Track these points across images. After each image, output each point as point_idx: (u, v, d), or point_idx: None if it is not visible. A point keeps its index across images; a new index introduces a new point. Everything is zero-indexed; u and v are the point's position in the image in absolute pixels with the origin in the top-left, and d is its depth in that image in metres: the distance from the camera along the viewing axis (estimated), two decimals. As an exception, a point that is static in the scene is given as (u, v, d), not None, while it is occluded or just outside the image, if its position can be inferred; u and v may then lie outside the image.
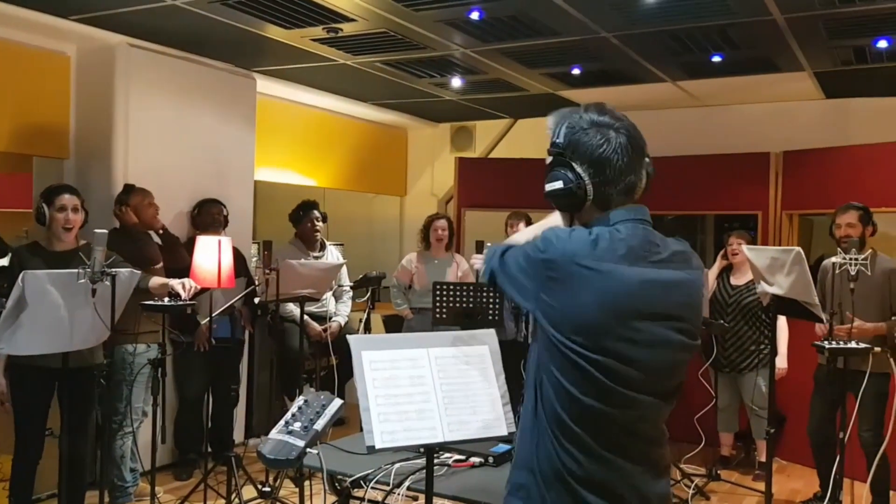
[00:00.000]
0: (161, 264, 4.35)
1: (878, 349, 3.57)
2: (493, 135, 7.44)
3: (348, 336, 2.30)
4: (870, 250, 4.06)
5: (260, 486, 4.35)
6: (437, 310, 4.80)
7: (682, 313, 1.60)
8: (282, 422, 2.06)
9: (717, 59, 4.91)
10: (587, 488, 1.57)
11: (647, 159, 1.66)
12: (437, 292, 4.82)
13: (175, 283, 3.66)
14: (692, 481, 4.75)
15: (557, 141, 1.62)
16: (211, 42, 4.90)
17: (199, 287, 3.77)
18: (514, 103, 6.33)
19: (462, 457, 2.87)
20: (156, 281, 3.72)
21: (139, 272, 3.39)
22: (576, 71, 5.39)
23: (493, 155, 7.43)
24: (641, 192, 1.66)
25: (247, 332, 5.24)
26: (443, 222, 5.73)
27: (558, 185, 1.60)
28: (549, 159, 1.65)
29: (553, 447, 1.59)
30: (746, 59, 4.95)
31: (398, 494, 2.64)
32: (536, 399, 1.63)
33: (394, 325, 6.13)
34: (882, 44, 4.43)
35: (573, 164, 1.59)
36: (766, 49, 4.69)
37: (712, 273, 5.09)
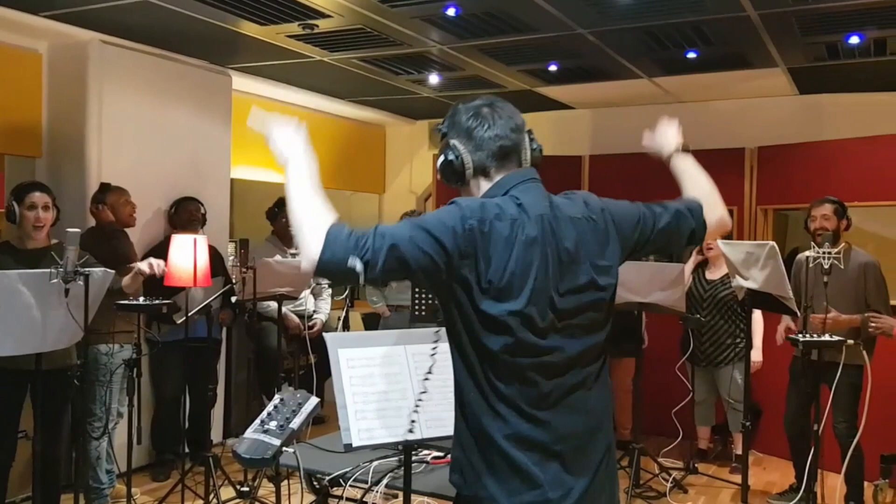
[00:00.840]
0: (138, 264, 4.31)
1: (850, 342, 3.61)
2: (471, 132, 7.44)
3: (324, 334, 2.29)
4: (843, 244, 4.11)
5: (238, 487, 4.33)
6: (416, 307, 4.79)
7: (579, 256, 1.68)
8: (257, 421, 2.05)
9: (691, 55, 4.94)
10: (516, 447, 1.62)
11: (530, 138, 1.78)
12: (416, 289, 4.81)
13: (142, 266, 3.63)
14: (670, 475, 4.79)
15: (441, 127, 1.80)
16: (185, 39, 4.85)
17: (165, 268, 3.75)
18: (492, 100, 6.33)
19: (440, 454, 2.87)
20: (126, 279, 3.68)
21: (112, 272, 3.36)
22: (553, 67, 5.40)
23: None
24: (529, 162, 1.77)
25: (224, 331, 5.20)
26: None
27: (441, 158, 1.75)
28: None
29: (478, 413, 1.64)
30: (721, 56, 4.98)
31: (376, 492, 2.63)
32: (457, 370, 1.69)
33: (373, 322, 6.12)
34: (854, 40, 4.48)
35: (452, 141, 1.74)
36: (739, 45, 4.73)
37: (688, 268, 5.12)
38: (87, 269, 3.08)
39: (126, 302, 3.65)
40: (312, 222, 1.54)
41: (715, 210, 1.97)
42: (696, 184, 2.04)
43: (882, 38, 4.50)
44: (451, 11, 4.11)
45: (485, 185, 1.73)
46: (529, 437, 1.62)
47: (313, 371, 4.82)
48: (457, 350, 1.68)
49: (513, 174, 1.72)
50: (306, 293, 5.33)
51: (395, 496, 2.68)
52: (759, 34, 4.43)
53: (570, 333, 1.66)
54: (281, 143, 1.78)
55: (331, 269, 1.51)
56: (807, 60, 5.03)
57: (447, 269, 1.57)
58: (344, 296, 5.11)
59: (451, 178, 1.75)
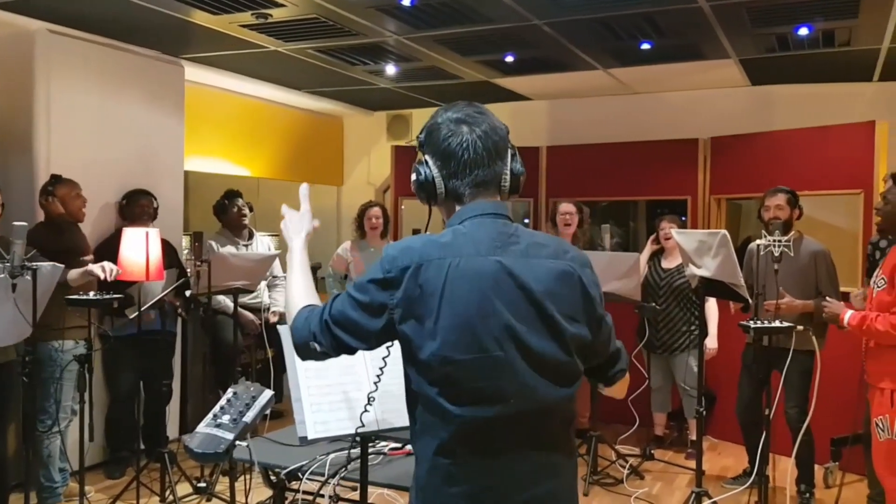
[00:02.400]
0: (91, 256, 4.24)
1: (801, 327, 3.68)
2: (429, 123, 7.43)
3: (279, 326, 2.27)
4: (794, 232, 4.20)
5: (195, 483, 4.28)
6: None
7: (547, 301, 1.55)
8: (210, 415, 2.03)
9: (645, 46, 4.99)
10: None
11: (511, 158, 1.67)
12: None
13: (94, 268, 3.57)
14: (627, 462, 4.86)
15: (420, 137, 1.69)
16: (136, 28, 4.76)
17: (119, 270, 3.69)
18: (450, 91, 6.32)
19: (398, 445, 2.86)
20: (75, 272, 3.61)
21: (62, 266, 3.29)
22: (509, 58, 5.41)
23: (429, 143, 7.42)
24: (508, 193, 1.67)
25: (179, 326, 5.13)
26: (376, 210, 5.69)
27: (413, 176, 1.67)
28: None
29: (427, 463, 1.57)
30: (674, 47, 5.04)
31: (333, 485, 2.62)
32: (412, 415, 1.62)
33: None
34: (803, 31, 4.56)
35: (427, 157, 1.65)
36: (692, 37, 4.79)
37: (643, 257, 5.19)
38: (35, 264, 3.00)
39: (76, 297, 3.57)
40: (290, 315, 1.72)
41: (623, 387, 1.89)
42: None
43: (830, 30, 4.59)
44: (406, 1, 4.10)
45: (455, 207, 1.64)
46: (479, 495, 1.54)
47: (270, 365, 4.78)
48: (411, 396, 1.61)
49: (473, 206, 1.61)
50: (262, 285, 5.28)
51: (355, 489, 2.67)
52: (710, 25, 4.49)
53: (525, 385, 1.53)
54: (292, 228, 1.88)
55: (303, 354, 1.67)
56: (758, 52, 5.12)
57: (384, 324, 1.55)
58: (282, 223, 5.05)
59: (423, 196, 1.66)
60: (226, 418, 2.01)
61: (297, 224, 1.87)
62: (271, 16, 4.38)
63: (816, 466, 4.38)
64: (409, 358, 1.56)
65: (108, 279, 3.63)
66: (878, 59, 5.22)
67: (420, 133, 1.70)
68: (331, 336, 1.59)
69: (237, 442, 2.00)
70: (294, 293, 1.75)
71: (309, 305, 1.68)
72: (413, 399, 1.59)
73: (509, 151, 1.67)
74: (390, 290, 1.53)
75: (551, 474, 1.59)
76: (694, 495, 3.93)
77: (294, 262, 1.82)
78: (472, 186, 1.62)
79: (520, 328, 1.52)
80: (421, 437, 1.59)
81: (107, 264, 3.66)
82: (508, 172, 1.66)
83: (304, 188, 1.93)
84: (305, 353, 1.65)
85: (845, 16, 4.29)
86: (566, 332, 1.57)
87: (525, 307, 1.54)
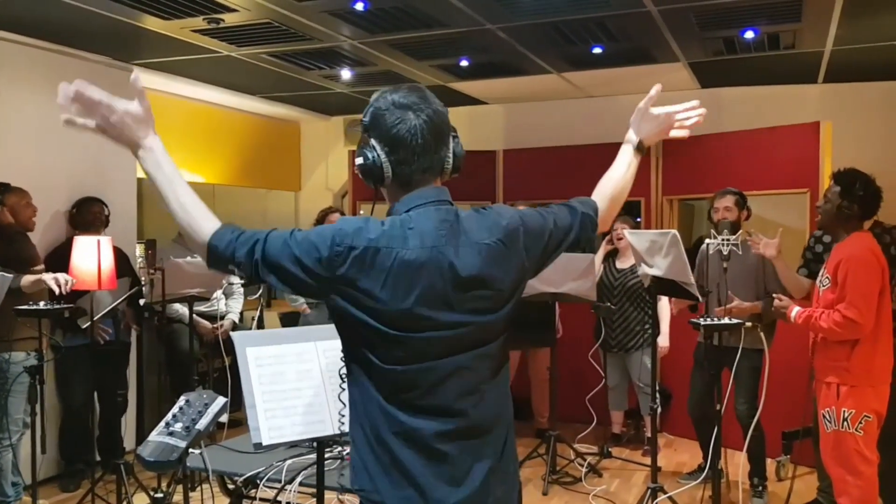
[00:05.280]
0: (42, 266, 4.16)
1: (749, 324, 3.77)
2: (387, 127, 7.42)
3: (232, 333, 2.26)
4: (741, 232, 4.29)
5: (152, 493, 4.21)
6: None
7: (481, 282, 1.63)
8: (162, 423, 2.02)
9: (597, 50, 5.06)
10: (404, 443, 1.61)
11: (453, 140, 1.71)
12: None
13: (48, 279, 3.51)
14: (585, 460, 4.92)
15: (364, 120, 1.69)
16: (85, 34, 4.69)
17: (74, 281, 3.63)
18: (405, 95, 6.33)
19: (356, 449, 2.86)
20: (28, 279, 3.55)
21: (10, 275, 3.23)
22: (464, 63, 5.45)
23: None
24: (450, 173, 1.72)
25: (133, 335, 5.06)
26: (336, 216, 5.67)
27: (359, 160, 1.66)
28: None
29: (371, 407, 1.63)
30: (625, 51, 5.13)
31: (290, 491, 2.62)
32: (348, 364, 1.67)
33: (291, 321, 6.05)
34: (749, 34, 4.67)
35: (374, 142, 1.65)
36: (642, 40, 4.87)
37: (598, 257, 5.26)
38: (-19, 274, 2.95)
39: (26, 307, 3.51)
40: (194, 226, 1.64)
41: (609, 210, 1.99)
42: (612, 183, 2.03)
43: (775, 33, 4.71)
44: (359, 6, 4.11)
45: (402, 195, 1.67)
46: (415, 435, 1.61)
47: (228, 373, 4.74)
48: (347, 353, 1.67)
49: (417, 194, 1.66)
50: (218, 293, 5.23)
51: (313, 494, 2.67)
52: (660, 29, 4.58)
53: (455, 349, 1.62)
54: (126, 123, 1.65)
55: (218, 268, 1.64)
56: (706, 55, 5.23)
57: (318, 286, 1.59)
58: (258, 295, 5.03)
59: (369, 180, 1.68)
60: (178, 426, 2.00)
61: (137, 117, 1.66)
62: (223, 21, 4.35)
63: (769, 460, 4.48)
64: (342, 322, 1.62)
65: (63, 292, 3.56)
66: (822, 62, 5.37)
67: (364, 116, 1.69)
68: (256, 272, 1.59)
69: (190, 450, 1.99)
70: (188, 201, 1.65)
71: (231, 226, 1.63)
72: (349, 352, 1.65)
73: (450, 135, 1.72)
74: (333, 264, 1.56)
75: (477, 428, 1.66)
76: (650, 491, 3.99)
77: (163, 162, 1.68)
78: (420, 172, 1.66)
79: (453, 312, 1.60)
80: (359, 384, 1.64)
81: (61, 276, 3.60)
82: (451, 156, 1.71)
83: (135, 76, 1.66)
84: (218, 265, 1.62)
85: (789, 19, 4.41)
86: (496, 307, 1.66)
87: (460, 294, 1.61)
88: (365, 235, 1.57)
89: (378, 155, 1.64)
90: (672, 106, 2.05)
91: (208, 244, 1.60)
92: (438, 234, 1.61)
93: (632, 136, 2.06)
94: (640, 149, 2.06)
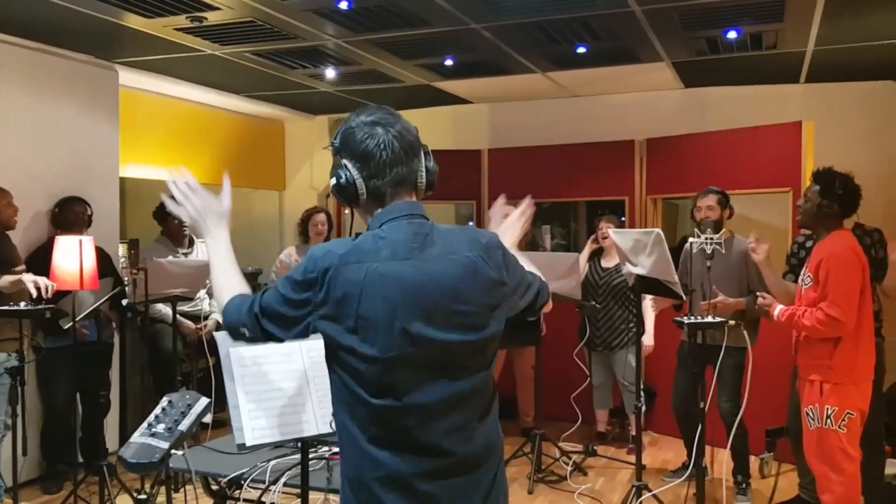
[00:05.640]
0: (23, 266, 4.12)
1: (732, 322, 3.79)
2: (371, 126, 7.41)
3: (215, 333, 2.25)
4: (724, 230, 4.31)
5: (135, 495, 4.19)
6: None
7: (458, 298, 1.63)
8: (144, 424, 2.00)
9: (581, 50, 5.07)
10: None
11: (425, 156, 1.73)
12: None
13: (28, 282, 3.47)
14: (570, 459, 4.93)
15: (335, 143, 1.73)
16: (67, 32, 4.65)
17: (55, 286, 3.60)
18: (391, 95, 6.32)
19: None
20: (6, 279, 3.51)
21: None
22: (449, 62, 5.44)
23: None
24: (424, 190, 1.73)
25: (116, 335, 5.02)
26: (322, 216, 5.67)
27: (333, 181, 1.71)
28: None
29: (353, 451, 1.63)
30: (609, 51, 5.14)
31: (274, 492, 2.60)
32: (334, 406, 1.68)
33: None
34: (731, 34, 4.69)
35: (345, 161, 1.69)
36: (626, 40, 4.88)
37: (583, 256, 5.27)
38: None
39: (7, 308, 3.48)
40: (220, 302, 1.82)
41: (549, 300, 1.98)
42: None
43: (758, 33, 4.73)
44: (343, 5, 4.09)
45: (377, 211, 1.69)
46: (398, 477, 1.60)
47: (212, 373, 4.71)
48: (333, 392, 1.68)
49: (391, 208, 1.67)
50: (202, 293, 5.20)
51: (297, 495, 2.66)
52: (643, 29, 4.59)
53: (440, 376, 1.61)
54: (205, 214, 1.93)
55: (235, 336, 1.78)
56: (689, 55, 5.25)
57: (307, 317, 1.64)
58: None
59: (344, 200, 1.70)
60: (160, 427, 1.98)
61: (219, 211, 1.93)
62: (206, 19, 4.32)
63: (752, 457, 4.52)
64: (331, 355, 1.65)
65: (44, 296, 3.54)
66: (804, 62, 5.40)
67: (335, 138, 1.73)
68: (259, 326, 1.70)
69: (173, 451, 1.98)
70: (224, 282, 1.83)
71: (240, 294, 1.78)
72: (336, 393, 1.67)
73: (422, 150, 1.74)
74: (312, 290, 1.62)
75: (463, 466, 1.65)
76: (634, 489, 4.01)
77: (221, 250, 1.88)
78: (392, 185, 1.68)
79: (432, 326, 1.60)
80: (343, 427, 1.66)
81: (41, 280, 3.56)
82: (424, 170, 1.73)
83: (226, 180, 1.98)
84: (236, 336, 1.76)
85: (771, 19, 4.43)
86: (478, 323, 1.66)
87: (438, 305, 1.61)
88: (335, 253, 1.61)
89: (350, 173, 1.67)
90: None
91: (223, 315, 1.78)
92: (411, 247, 1.62)
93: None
94: None
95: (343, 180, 1.67)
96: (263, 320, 1.68)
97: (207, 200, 1.92)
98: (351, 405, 1.62)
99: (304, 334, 1.67)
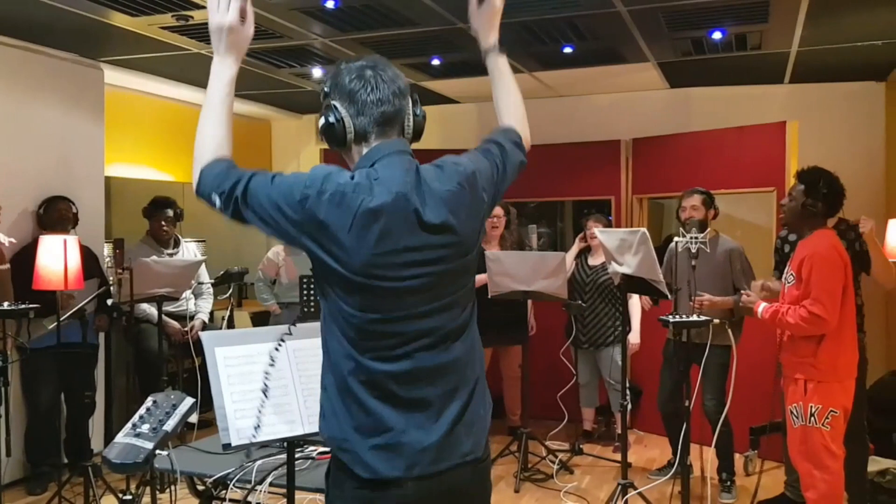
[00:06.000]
0: (7, 266, 4.10)
1: (717, 321, 3.82)
2: (358, 126, 7.40)
3: (200, 333, 2.24)
4: (709, 230, 4.34)
5: (120, 495, 4.17)
6: (305, 303, 4.75)
7: (447, 229, 1.68)
8: (129, 424, 1.99)
9: (568, 50, 5.09)
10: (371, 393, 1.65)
11: (413, 103, 1.76)
12: (305, 285, 4.76)
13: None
14: (556, 457, 4.95)
15: (325, 88, 1.75)
16: (51, 30, 4.62)
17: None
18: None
19: (327, 449, 2.85)
20: None
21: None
22: (435, 62, 5.45)
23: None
24: (412, 133, 1.76)
25: (101, 336, 5.00)
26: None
27: (322, 121, 1.72)
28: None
29: (337, 354, 1.67)
30: (595, 51, 5.16)
31: (260, 492, 2.60)
32: (322, 317, 1.72)
33: (263, 321, 6.01)
34: (716, 35, 4.72)
35: (334, 102, 1.71)
36: (612, 40, 4.90)
37: (570, 255, 5.29)
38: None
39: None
40: (200, 153, 1.71)
41: (525, 130, 2.06)
42: (510, 99, 2.08)
43: (742, 34, 4.76)
44: (329, 4, 4.09)
45: (363, 150, 1.71)
46: (383, 381, 1.64)
47: (198, 373, 4.70)
48: (322, 298, 1.71)
49: (380, 145, 1.70)
50: (187, 293, 5.18)
51: (284, 494, 2.66)
52: (629, 29, 4.61)
53: (425, 297, 1.67)
54: (224, 33, 1.75)
55: (202, 197, 1.69)
56: (675, 55, 5.27)
57: (293, 229, 1.63)
58: (228, 294, 4.98)
59: (333, 142, 1.72)
60: (145, 427, 1.97)
61: (241, 36, 1.76)
62: (192, 17, 4.31)
63: (736, 455, 4.54)
64: (319, 272, 1.66)
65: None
66: (788, 62, 5.44)
67: (325, 83, 1.75)
68: (235, 207, 1.65)
69: (158, 451, 1.97)
70: (211, 129, 1.73)
71: (227, 161, 1.70)
72: (323, 300, 1.70)
73: (410, 95, 1.76)
74: (307, 210, 1.60)
75: (445, 379, 1.70)
76: (620, 487, 4.02)
77: (224, 87, 1.76)
78: (379, 124, 1.70)
79: (425, 256, 1.65)
80: (331, 333, 1.69)
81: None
82: (412, 114, 1.75)
83: (249, 6, 1.79)
84: (202, 196, 1.69)
85: (756, 20, 4.46)
86: (466, 246, 1.72)
87: (428, 238, 1.65)
88: (334, 180, 1.62)
89: (338, 113, 1.69)
90: None
91: (200, 170, 1.68)
92: (405, 181, 1.65)
93: (486, 45, 2.10)
94: (498, 48, 2.10)
95: (332, 119, 1.69)
96: (242, 204, 1.64)
97: (232, 20, 1.73)
98: (335, 314, 1.66)
99: (273, 234, 1.67)
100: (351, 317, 1.64)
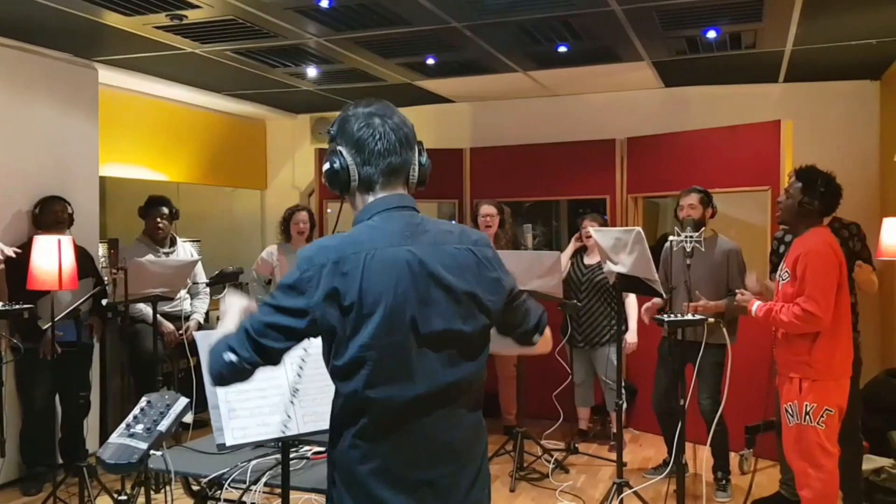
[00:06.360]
0: (1, 266, 4.09)
1: (711, 320, 3.82)
2: (354, 125, 7.40)
3: (195, 333, 2.24)
4: (704, 229, 4.33)
5: (115, 496, 4.16)
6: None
7: (454, 286, 1.64)
8: (123, 425, 1.99)
9: (562, 49, 5.09)
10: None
11: (419, 151, 1.75)
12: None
13: None
14: (552, 456, 4.95)
15: (332, 131, 1.75)
16: (45, 30, 4.61)
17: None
18: (373, 93, 6.31)
19: (321, 448, 2.86)
20: None
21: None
22: (430, 61, 5.44)
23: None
24: (416, 182, 1.75)
25: (95, 337, 4.99)
26: (304, 214, 5.65)
27: (326, 165, 1.71)
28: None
29: (342, 443, 1.64)
30: (590, 50, 5.16)
31: (255, 491, 2.60)
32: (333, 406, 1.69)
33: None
34: (711, 34, 4.73)
35: (340, 147, 1.70)
36: (607, 39, 4.91)
37: (565, 255, 5.29)
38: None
39: (-17, 308, 3.45)
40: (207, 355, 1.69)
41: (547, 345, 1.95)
42: None
43: (737, 33, 4.77)
44: (324, 3, 4.08)
45: (368, 200, 1.69)
46: (393, 469, 1.61)
47: (192, 373, 4.69)
48: (336, 383, 1.67)
49: (379, 200, 1.68)
50: (183, 293, 5.17)
51: (279, 494, 2.65)
52: (623, 28, 4.61)
53: (435, 365, 1.63)
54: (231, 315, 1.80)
55: (218, 373, 1.64)
56: (669, 54, 5.28)
57: (305, 319, 1.59)
58: (223, 294, 4.96)
59: (335, 186, 1.71)
60: (139, 427, 1.98)
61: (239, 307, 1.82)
62: (186, 17, 4.30)
63: (731, 454, 4.55)
64: (330, 347, 1.62)
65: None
66: (783, 61, 5.45)
67: (332, 126, 1.74)
68: (252, 343, 1.61)
69: (152, 451, 1.97)
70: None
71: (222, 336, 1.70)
72: (336, 387, 1.66)
73: (417, 145, 1.75)
74: (310, 291, 1.58)
75: (454, 455, 1.67)
76: (615, 486, 4.03)
77: (229, 323, 1.78)
78: (385, 175, 1.69)
79: (434, 310, 1.61)
80: (340, 419, 1.66)
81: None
82: (417, 164, 1.74)
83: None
84: (220, 372, 1.64)
85: (750, 19, 4.47)
86: (474, 311, 1.67)
87: (435, 291, 1.62)
88: (330, 247, 1.60)
89: (344, 159, 1.67)
90: None
91: (208, 362, 1.66)
92: (405, 236, 1.63)
93: None
94: None
95: (337, 165, 1.68)
96: (257, 336, 1.61)
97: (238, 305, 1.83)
98: (346, 399, 1.62)
99: (304, 338, 1.63)
100: (367, 400, 1.60)
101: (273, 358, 1.64)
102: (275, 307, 1.61)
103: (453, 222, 1.81)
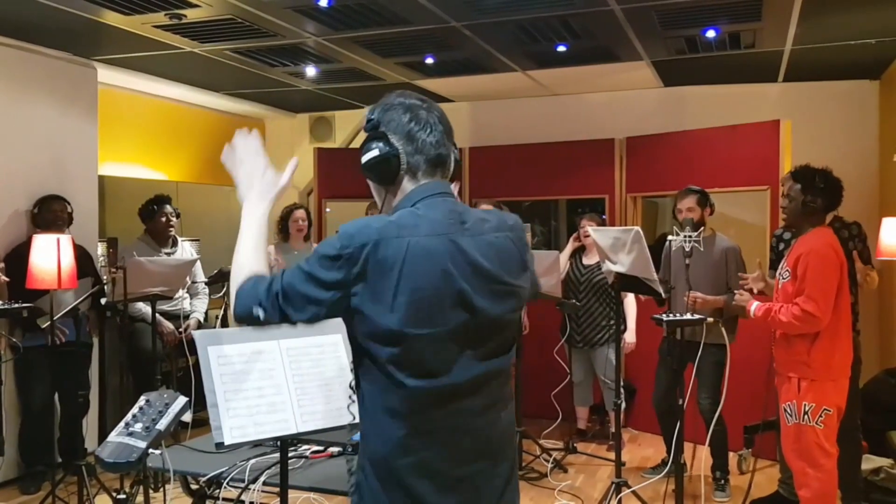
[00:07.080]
0: (2, 265, 4.09)
1: (710, 319, 3.82)
2: (353, 125, 7.41)
3: (193, 332, 2.24)
4: (702, 228, 4.33)
5: (115, 495, 4.16)
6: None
7: (493, 275, 1.65)
8: (122, 423, 1.99)
9: (561, 48, 5.09)
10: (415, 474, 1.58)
11: (453, 144, 1.75)
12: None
13: None
14: (550, 455, 4.95)
15: (372, 118, 1.71)
16: (44, 29, 4.61)
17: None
18: (372, 93, 6.32)
19: (320, 447, 2.86)
20: None
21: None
22: (429, 60, 5.45)
23: (353, 145, 7.41)
24: (451, 174, 1.74)
25: (93, 335, 4.99)
26: (301, 212, 5.65)
27: (374, 153, 1.65)
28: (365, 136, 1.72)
29: (379, 436, 1.60)
30: (589, 49, 5.16)
31: (253, 490, 2.60)
32: (360, 390, 1.65)
33: (256, 320, 6.00)
34: (710, 34, 4.73)
35: (388, 135, 1.66)
36: (606, 39, 4.91)
37: (564, 255, 5.30)
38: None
39: (-18, 307, 3.45)
40: (236, 279, 1.68)
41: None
42: None
43: (736, 32, 4.77)
44: (323, 2, 4.08)
45: (409, 188, 1.67)
46: (431, 464, 1.58)
47: (191, 372, 4.69)
48: (362, 370, 1.63)
49: (422, 187, 1.66)
50: (182, 292, 5.16)
51: (277, 493, 2.65)
52: (623, 28, 4.62)
53: (474, 354, 1.61)
54: (255, 180, 1.79)
55: (244, 319, 1.64)
56: (668, 53, 5.28)
57: (338, 294, 1.56)
58: (222, 293, 4.97)
59: (379, 176, 1.68)
60: (138, 426, 1.98)
61: (271, 184, 1.78)
62: (185, 16, 4.30)
63: (730, 453, 4.55)
64: (366, 333, 1.58)
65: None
66: (782, 61, 5.45)
67: (371, 113, 1.71)
68: (278, 307, 1.60)
69: (151, 450, 1.97)
70: (245, 259, 1.71)
71: (256, 274, 1.67)
72: (365, 375, 1.62)
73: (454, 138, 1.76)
74: (348, 267, 1.55)
75: (491, 453, 1.66)
76: (614, 486, 4.03)
77: (254, 224, 1.76)
78: (431, 165, 1.67)
79: (475, 299, 1.60)
80: (372, 412, 1.61)
81: None
82: (453, 156, 1.74)
83: (293, 162, 1.83)
84: (247, 320, 1.63)
85: (749, 18, 4.47)
86: (514, 295, 1.69)
87: (477, 280, 1.61)
88: (374, 227, 1.56)
89: (394, 145, 1.65)
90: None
91: (236, 293, 1.65)
92: (448, 223, 1.62)
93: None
94: None
95: (385, 152, 1.64)
96: (283, 301, 1.59)
97: (264, 169, 1.79)
98: (384, 390, 1.58)
99: (322, 317, 1.60)
100: (396, 381, 1.57)
101: (293, 322, 1.63)
102: (308, 275, 1.58)
103: (490, 210, 1.79)
